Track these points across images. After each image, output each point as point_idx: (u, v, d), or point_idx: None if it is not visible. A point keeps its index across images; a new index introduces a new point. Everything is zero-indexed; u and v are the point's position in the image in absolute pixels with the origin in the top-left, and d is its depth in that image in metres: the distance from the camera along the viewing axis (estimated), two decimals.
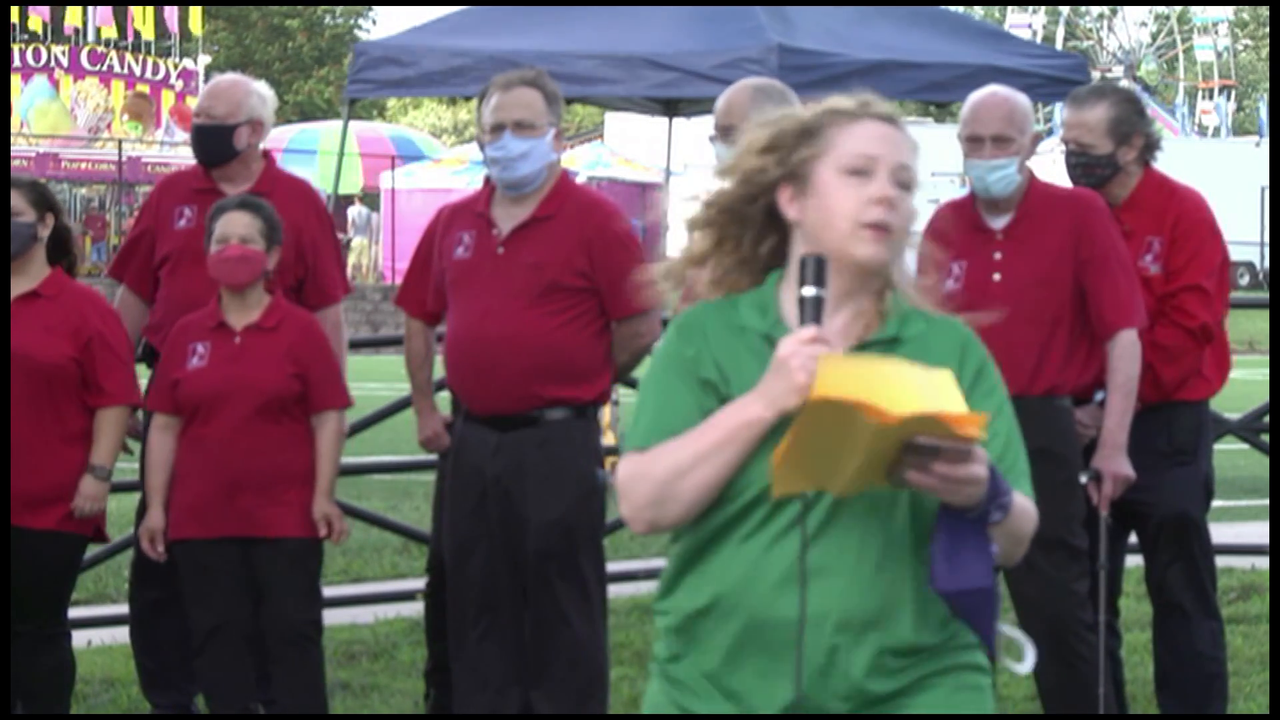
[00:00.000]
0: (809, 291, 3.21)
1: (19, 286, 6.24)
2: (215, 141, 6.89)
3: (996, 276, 6.09)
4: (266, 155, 7.02)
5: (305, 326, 6.40)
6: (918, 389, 3.05)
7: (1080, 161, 6.35)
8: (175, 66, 40.99)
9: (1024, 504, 3.27)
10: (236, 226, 6.28)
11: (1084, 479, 6.07)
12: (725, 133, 5.90)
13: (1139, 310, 6.10)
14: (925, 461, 3.06)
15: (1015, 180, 6.12)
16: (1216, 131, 61.39)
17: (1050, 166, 6.30)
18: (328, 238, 7.06)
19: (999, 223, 6.16)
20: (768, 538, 3.22)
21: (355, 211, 40.69)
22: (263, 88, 7.02)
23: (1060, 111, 6.54)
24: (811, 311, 3.21)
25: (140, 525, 6.41)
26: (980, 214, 6.16)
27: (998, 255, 6.12)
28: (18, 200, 6.21)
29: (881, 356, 3.20)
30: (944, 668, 3.27)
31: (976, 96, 6.23)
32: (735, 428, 3.21)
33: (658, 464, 3.26)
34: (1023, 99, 6.25)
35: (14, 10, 38.47)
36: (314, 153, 35.48)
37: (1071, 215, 6.10)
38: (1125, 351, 6.08)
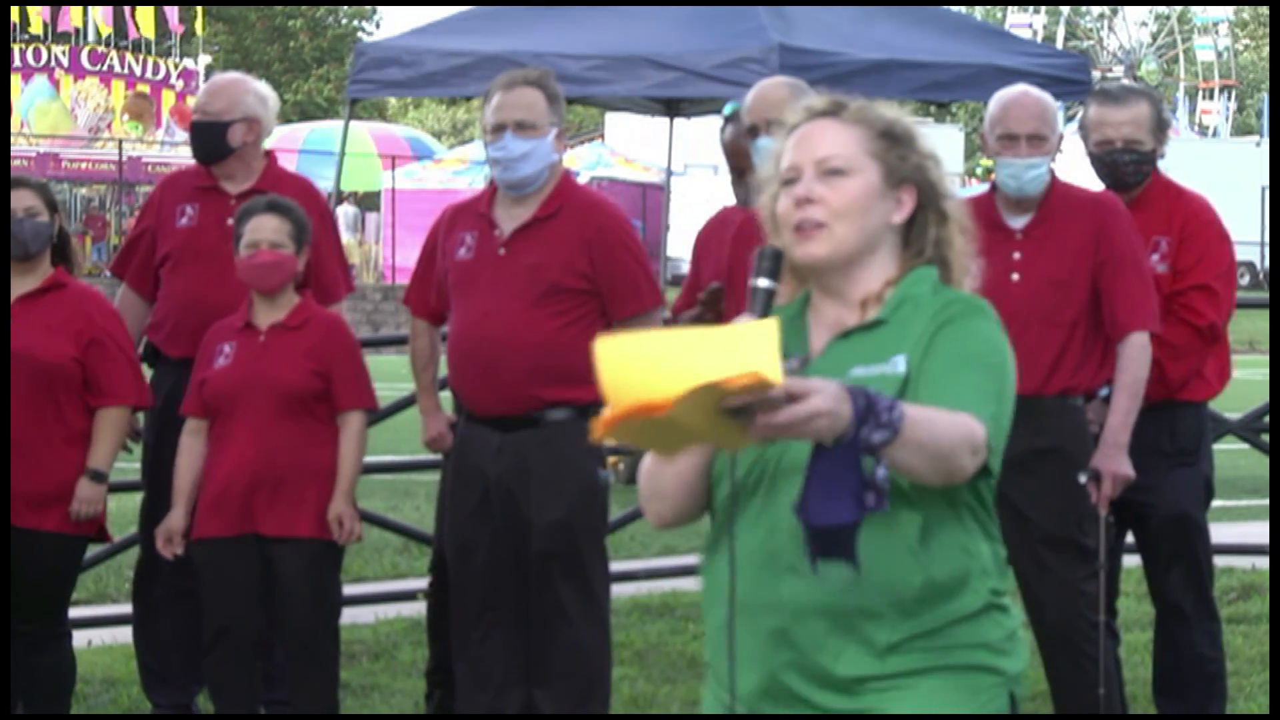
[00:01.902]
0: (760, 283, 3.25)
1: (23, 286, 6.25)
2: (210, 137, 6.90)
3: (1015, 276, 6.07)
4: (269, 154, 7.02)
5: (330, 326, 6.39)
6: (701, 357, 2.93)
7: (1132, 159, 6.34)
8: (175, 66, 40.96)
9: (926, 414, 3.08)
10: (266, 231, 6.27)
11: (1083, 478, 6.07)
12: (771, 128, 5.91)
13: (1152, 314, 6.09)
14: (748, 418, 2.95)
15: (1046, 179, 6.13)
16: (1216, 131, 61.37)
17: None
18: (330, 237, 7.06)
19: (1019, 222, 6.14)
20: (729, 528, 3.25)
21: (343, 210, 40.45)
22: (262, 87, 7.03)
23: (1089, 111, 6.50)
24: (759, 303, 3.24)
25: (160, 524, 6.38)
26: (1000, 212, 6.14)
27: (1017, 255, 6.10)
28: (34, 200, 6.23)
29: (672, 329, 3.06)
30: (939, 665, 3.23)
31: (1009, 95, 6.22)
32: None
33: (648, 460, 3.35)
34: (1051, 98, 6.27)
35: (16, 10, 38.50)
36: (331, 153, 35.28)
37: (1093, 217, 6.10)
38: (1135, 353, 6.07)
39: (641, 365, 2.94)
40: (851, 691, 3.23)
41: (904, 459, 3.07)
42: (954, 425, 3.12)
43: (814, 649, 3.22)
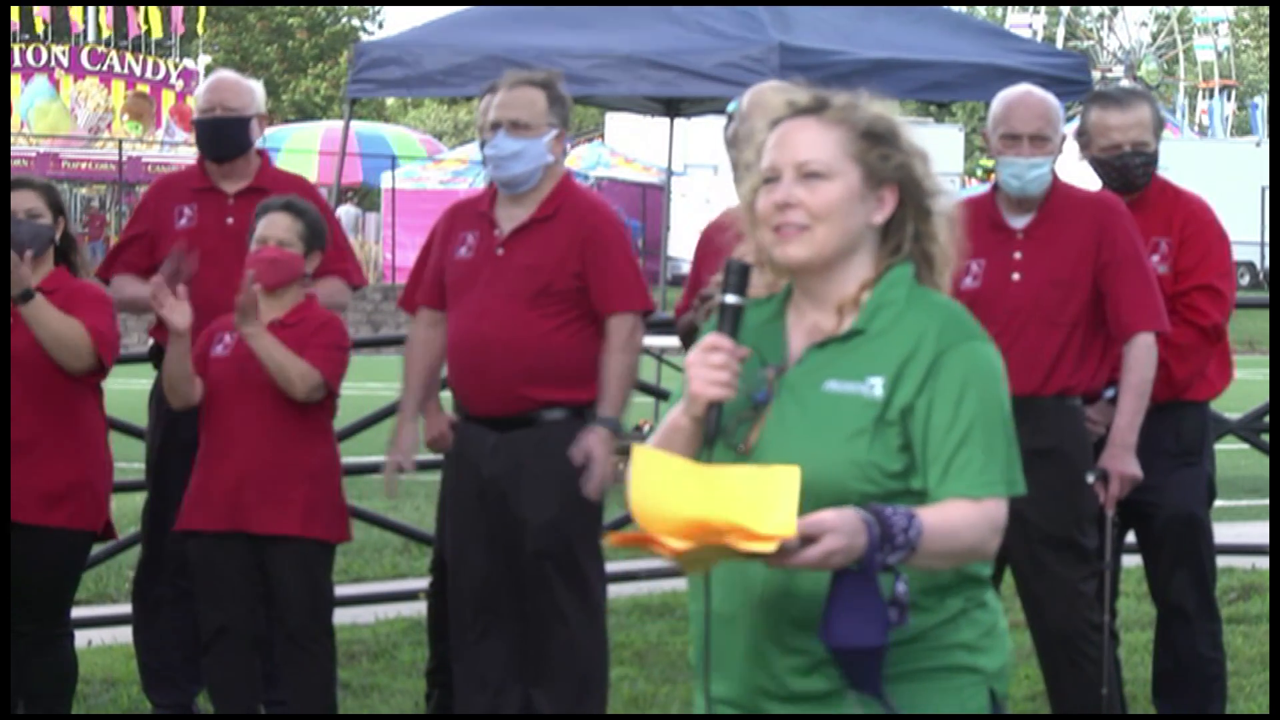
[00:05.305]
0: (728, 299, 3.26)
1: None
2: (232, 132, 6.84)
3: (1016, 276, 6.07)
4: (261, 153, 7.00)
5: (321, 322, 6.38)
6: (721, 497, 3.03)
7: (1140, 161, 6.35)
8: (175, 66, 40.95)
9: (945, 522, 3.15)
10: (276, 229, 6.27)
11: (1090, 478, 6.07)
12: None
13: (1158, 314, 6.09)
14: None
15: (1048, 179, 6.13)
16: (1216, 131, 61.36)
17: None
18: (332, 227, 7.03)
19: (1020, 222, 6.14)
20: None
21: (344, 210, 40.33)
22: (259, 86, 7.02)
23: (1091, 113, 6.49)
24: (727, 319, 3.25)
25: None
26: (1001, 212, 6.14)
27: (1017, 255, 6.10)
28: (38, 202, 6.19)
29: (710, 465, 3.16)
30: (914, 669, 3.23)
31: (1012, 95, 6.21)
32: (667, 429, 3.30)
33: None
34: (1054, 99, 6.26)
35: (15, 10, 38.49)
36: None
37: (1094, 217, 6.10)
38: (1141, 354, 6.06)
39: (667, 488, 3.04)
40: (826, 701, 3.23)
41: (926, 564, 3.15)
42: (975, 522, 3.18)
43: (785, 670, 3.23)
